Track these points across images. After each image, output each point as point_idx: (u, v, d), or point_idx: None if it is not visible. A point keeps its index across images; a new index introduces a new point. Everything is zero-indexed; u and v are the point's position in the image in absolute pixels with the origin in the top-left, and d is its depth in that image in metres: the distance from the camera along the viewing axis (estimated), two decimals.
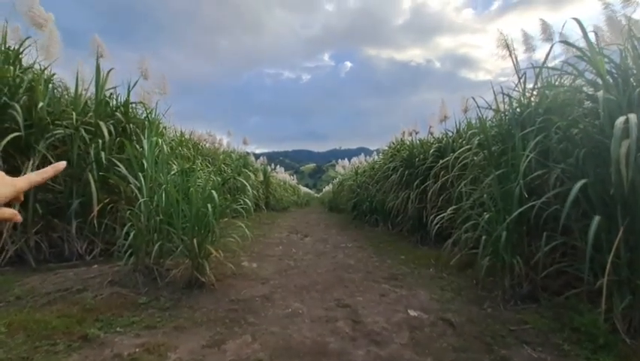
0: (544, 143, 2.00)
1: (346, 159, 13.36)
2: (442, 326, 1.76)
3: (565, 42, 2.04)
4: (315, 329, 1.69)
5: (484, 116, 2.85)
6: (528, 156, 1.85)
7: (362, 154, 10.57)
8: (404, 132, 5.51)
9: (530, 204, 1.81)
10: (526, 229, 2.05)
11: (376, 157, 8.18)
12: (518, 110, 2.48)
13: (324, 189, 25.69)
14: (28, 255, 2.53)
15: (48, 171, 0.41)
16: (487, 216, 2.06)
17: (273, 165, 13.85)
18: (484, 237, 2.06)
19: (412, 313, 1.92)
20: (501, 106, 2.68)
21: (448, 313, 1.91)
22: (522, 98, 2.42)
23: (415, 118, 5.20)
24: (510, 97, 2.46)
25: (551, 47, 2.07)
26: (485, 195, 2.22)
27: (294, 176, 21.17)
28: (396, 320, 1.82)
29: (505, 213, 2.10)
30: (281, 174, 14.44)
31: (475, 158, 2.83)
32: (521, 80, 2.47)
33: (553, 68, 2.19)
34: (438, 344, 1.56)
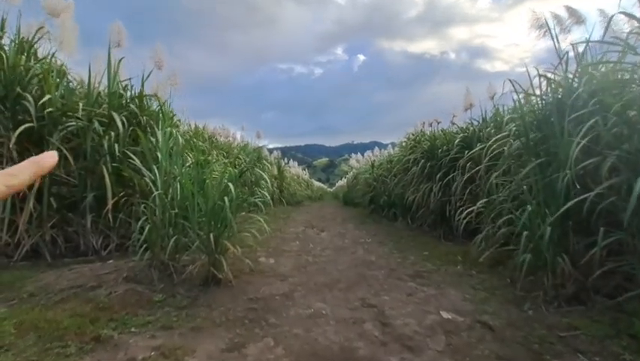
0: (594, 128, 1.79)
1: (359, 153, 13.16)
2: (480, 330, 1.60)
3: (626, 13, 1.81)
4: (342, 331, 1.56)
5: (516, 103, 2.63)
6: (579, 143, 1.64)
7: (375, 148, 10.36)
8: (424, 123, 5.28)
9: (582, 197, 1.61)
10: (572, 225, 1.85)
11: (391, 150, 7.97)
12: (559, 95, 2.26)
13: (337, 184, 25.51)
14: (44, 249, 2.50)
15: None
16: (529, 209, 1.86)
17: (286, 159, 13.76)
18: (525, 233, 1.87)
19: (444, 315, 1.76)
20: (529, 92, 2.47)
21: (485, 315, 1.75)
22: (565, 81, 2.19)
23: (429, 111, 5.01)
24: (550, 79, 2.24)
25: (611, 18, 1.85)
26: (525, 187, 2.02)
27: (306, 170, 21.02)
28: (429, 322, 1.67)
29: (546, 207, 1.91)
30: (294, 169, 14.35)
31: (505, 148, 2.62)
32: (563, 61, 2.24)
33: (611, 42, 1.95)
34: (478, 350, 1.41)
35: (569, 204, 1.64)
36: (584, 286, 1.82)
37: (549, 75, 2.33)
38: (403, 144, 6.01)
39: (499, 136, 2.53)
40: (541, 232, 1.77)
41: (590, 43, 2.26)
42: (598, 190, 1.60)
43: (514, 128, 2.30)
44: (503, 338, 1.49)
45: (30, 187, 2.32)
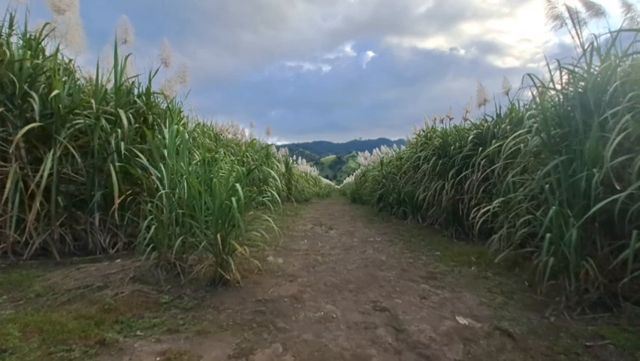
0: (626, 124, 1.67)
1: (367, 150, 13.08)
2: (500, 337, 1.52)
3: None
4: (353, 337, 1.50)
5: (536, 97, 2.52)
6: (611, 140, 1.53)
7: (383, 145, 10.26)
8: (435, 119, 5.15)
9: (612, 197, 1.51)
10: (598, 227, 1.75)
11: (396, 148, 7.91)
12: (580, 89, 2.14)
13: (344, 181, 25.42)
14: (52, 248, 2.49)
15: None
16: (553, 209, 1.76)
17: (294, 156, 13.72)
18: (548, 235, 1.77)
19: (461, 320, 1.68)
20: (549, 86, 2.35)
21: (504, 321, 1.66)
22: (589, 74, 2.06)
23: (438, 107, 4.90)
24: (572, 72, 2.12)
25: None
26: (546, 187, 1.91)
27: (314, 167, 20.99)
28: (445, 328, 1.59)
29: (569, 208, 1.81)
30: (302, 166, 14.31)
31: (522, 145, 2.51)
32: (587, 52, 2.12)
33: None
34: None
35: (600, 205, 1.53)
36: (610, 292, 1.72)
37: (570, 67, 2.22)
38: (413, 141, 5.90)
39: (518, 132, 2.42)
40: (568, 235, 1.66)
41: (611, 36, 2.14)
42: (631, 190, 1.49)
43: (535, 125, 2.18)
44: (526, 348, 1.41)
45: (37, 185, 2.30)
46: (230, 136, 6.96)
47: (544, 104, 2.20)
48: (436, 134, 4.76)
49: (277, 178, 3.07)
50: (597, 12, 2.43)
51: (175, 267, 2.09)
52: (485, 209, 2.67)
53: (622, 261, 1.61)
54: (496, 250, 2.57)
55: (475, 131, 3.73)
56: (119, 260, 2.37)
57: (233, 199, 1.98)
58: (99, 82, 2.89)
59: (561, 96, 2.27)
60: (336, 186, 27.23)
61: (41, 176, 2.27)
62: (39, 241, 2.44)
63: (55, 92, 2.38)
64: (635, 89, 1.68)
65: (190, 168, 2.30)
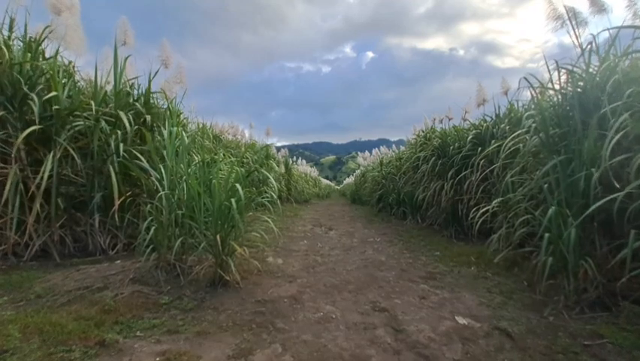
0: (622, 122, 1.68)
1: (367, 151, 13.09)
2: (499, 337, 1.52)
3: None
4: (352, 337, 1.50)
5: (534, 98, 2.52)
6: (609, 138, 1.54)
7: (383, 146, 10.26)
8: (434, 119, 5.16)
9: (610, 197, 1.51)
10: (596, 226, 1.75)
11: (396, 149, 7.93)
12: (579, 89, 2.15)
13: (344, 181, 25.45)
14: (52, 249, 2.49)
15: None
16: (552, 209, 1.76)
17: (294, 157, 13.74)
18: (547, 235, 1.78)
19: (460, 320, 1.68)
20: (547, 86, 2.36)
21: (503, 321, 1.67)
22: (587, 74, 2.07)
23: (438, 107, 4.90)
24: (571, 72, 2.12)
25: None
26: (545, 186, 1.92)
27: (314, 168, 21.01)
28: (444, 328, 1.60)
29: (567, 207, 1.81)
30: (302, 167, 14.32)
31: (521, 145, 2.52)
32: (585, 52, 2.12)
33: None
34: (498, 360, 1.33)
35: (598, 204, 1.54)
36: (609, 291, 1.73)
37: (569, 67, 2.22)
38: (412, 141, 5.91)
39: (517, 132, 2.43)
40: (567, 234, 1.67)
41: (610, 35, 2.14)
42: (629, 189, 1.49)
43: (534, 125, 2.19)
44: (524, 347, 1.41)
45: (38, 187, 2.31)
46: (230, 137, 6.97)
47: (543, 104, 2.21)
48: (435, 134, 4.77)
49: (274, 183, 3.07)
50: (600, 9, 2.43)
51: (175, 268, 2.10)
52: (484, 209, 2.67)
53: (620, 260, 1.61)
54: (496, 250, 2.58)
55: (474, 131, 3.74)
56: (118, 261, 2.37)
57: (233, 200, 1.99)
58: (98, 84, 2.90)
59: (560, 96, 2.28)
60: (336, 187, 27.26)
61: (41, 178, 2.27)
62: (39, 242, 2.44)
63: (53, 93, 2.39)
64: (634, 86, 1.68)
65: (189, 170, 2.31)
